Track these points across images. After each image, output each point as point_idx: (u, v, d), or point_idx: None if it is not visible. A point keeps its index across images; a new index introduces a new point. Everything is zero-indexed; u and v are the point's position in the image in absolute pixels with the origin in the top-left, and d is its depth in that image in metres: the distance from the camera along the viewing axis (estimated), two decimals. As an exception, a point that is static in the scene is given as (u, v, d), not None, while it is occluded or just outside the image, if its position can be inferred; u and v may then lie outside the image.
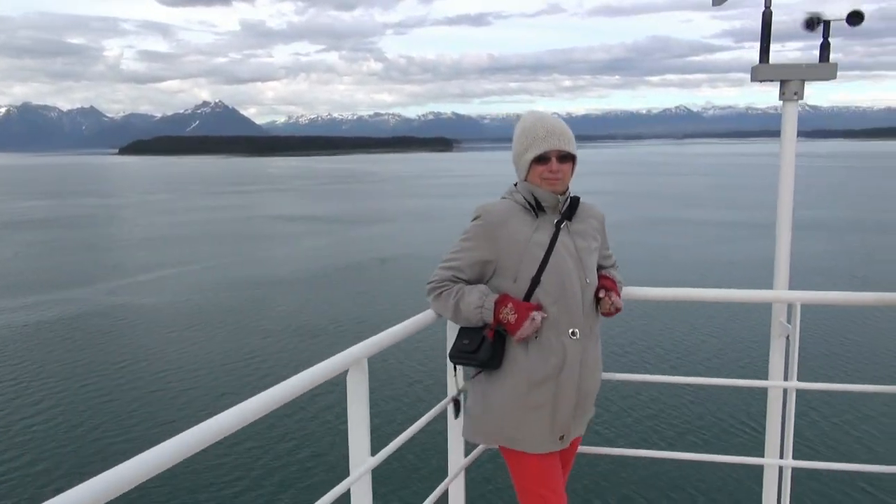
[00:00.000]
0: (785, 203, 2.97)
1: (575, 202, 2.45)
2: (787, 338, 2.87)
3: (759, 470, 3.06)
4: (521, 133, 2.43)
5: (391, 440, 2.17)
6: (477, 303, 2.29)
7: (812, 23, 2.85)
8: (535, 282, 2.32)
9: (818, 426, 11.25)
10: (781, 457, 2.87)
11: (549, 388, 2.32)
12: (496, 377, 2.36)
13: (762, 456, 2.98)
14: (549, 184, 2.38)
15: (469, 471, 2.64)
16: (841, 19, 2.77)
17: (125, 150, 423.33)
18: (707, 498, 9.21)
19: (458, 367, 2.44)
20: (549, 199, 2.39)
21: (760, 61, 2.95)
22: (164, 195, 71.86)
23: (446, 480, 2.54)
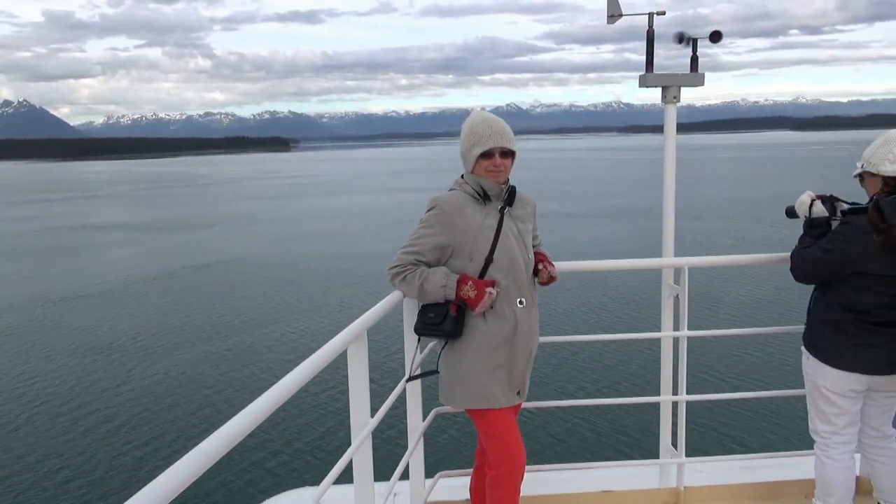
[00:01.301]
0: (668, 186, 3.58)
1: (513, 191, 2.80)
2: (677, 296, 3.42)
3: (657, 407, 3.65)
4: (468, 131, 2.76)
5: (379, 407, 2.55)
6: (441, 282, 2.62)
7: (681, 38, 3.44)
8: (489, 260, 2.68)
9: (707, 367, 13.19)
10: (675, 394, 3.42)
11: (505, 350, 2.71)
12: (461, 346, 2.72)
13: (658, 394, 3.60)
14: (493, 176, 2.73)
15: (426, 432, 3.06)
16: (705, 37, 3.42)
17: None
18: (621, 434, 10.77)
19: (418, 344, 2.82)
20: (494, 189, 2.74)
21: (646, 71, 3.53)
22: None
23: (411, 445, 2.90)
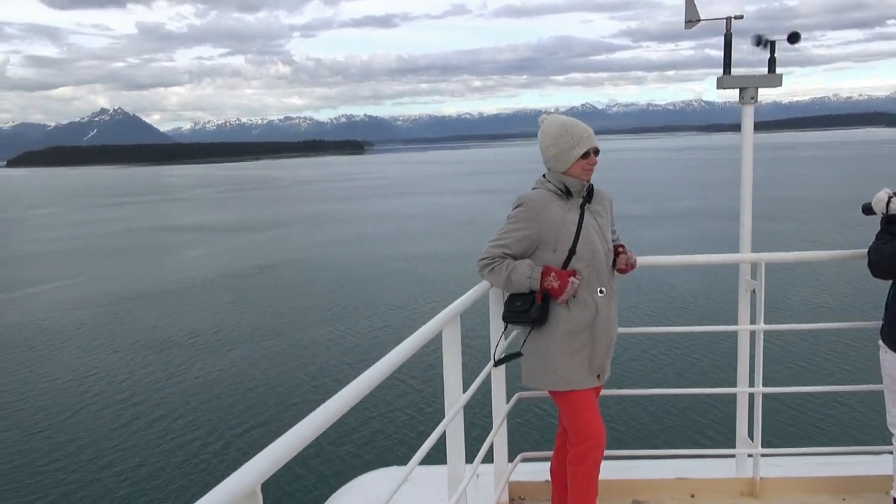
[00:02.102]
0: (746, 184, 3.64)
1: (591, 188, 3.02)
2: (754, 291, 3.52)
3: (734, 398, 3.72)
4: (561, 134, 2.96)
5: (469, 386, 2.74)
6: (527, 273, 2.85)
7: (759, 41, 3.51)
8: (572, 251, 2.89)
9: (783, 360, 13.49)
10: (752, 386, 3.54)
11: (586, 335, 2.91)
12: (545, 331, 2.93)
13: (735, 386, 3.67)
14: (587, 174, 2.96)
15: (509, 416, 3.28)
16: (783, 38, 3.47)
17: (14, 163, 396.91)
18: (698, 424, 11.22)
19: (504, 331, 3.05)
20: (577, 186, 2.97)
21: (724, 73, 3.60)
22: (45, 209, 67.10)
23: (495, 428, 3.14)
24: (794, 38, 3.44)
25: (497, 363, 3.08)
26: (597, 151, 2.98)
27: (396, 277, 25.40)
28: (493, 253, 2.93)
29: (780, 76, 3.53)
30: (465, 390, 2.74)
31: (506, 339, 3.11)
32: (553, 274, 2.84)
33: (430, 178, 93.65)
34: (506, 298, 3.01)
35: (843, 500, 3.38)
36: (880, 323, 3.13)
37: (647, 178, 69.37)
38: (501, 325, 3.04)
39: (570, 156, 2.94)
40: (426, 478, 3.07)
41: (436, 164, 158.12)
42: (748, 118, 3.60)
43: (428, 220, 43.00)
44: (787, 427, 10.77)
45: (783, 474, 3.53)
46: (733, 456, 3.68)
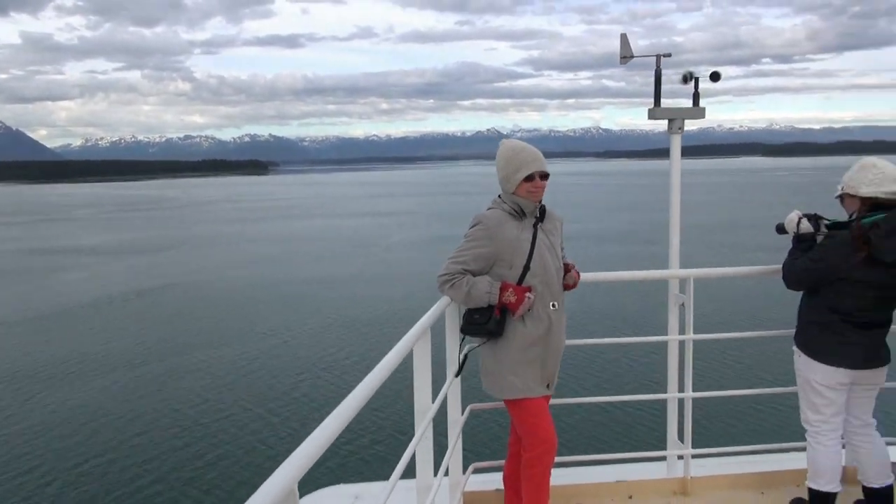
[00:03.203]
0: (674, 206, 3.99)
1: (544, 209, 3.23)
2: (683, 304, 3.79)
3: (665, 403, 3.97)
4: (509, 158, 3.17)
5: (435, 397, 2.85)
6: (486, 288, 3.00)
7: (686, 78, 3.88)
8: (527, 268, 3.07)
9: (710, 367, 14.66)
10: (681, 391, 3.82)
11: (540, 347, 3.11)
12: (502, 343, 3.09)
13: (666, 392, 3.95)
14: (533, 196, 3.15)
15: (463, 427, 3.34)
16: (706, 77, 3.85)
17: None
18: (635, 428, 12.01)
19: (462, 343, 3.19)
20: (530, 207, 3.16)
21: (655, 105, 3.94)
22: None
23: (451, 440, 3.23)
24: (715, 76, 3.83)
25: (458, 373, 3.21)
26: (543, 175, 3.15)
27: (270, 303, 24.77)
28: (453, 269, 3.06)
29: (703, 109, 3.92)
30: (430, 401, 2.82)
31: (463, 351, 3.23)
32: (511, 290, 3.00)
33: (333, 200, 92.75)
34: (464, 312, 3.15)
35: (762, 493, 3.71)
36: (793, 330, 3.49)
37: (562, 201, 72.17)
38: (459, 337, 3.16)
39: (514, 178, 3.12)
40: (384, 492, 3.11)
41: (340, 185, 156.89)
42: (676, 146, 3.95)
43: (323, 244, 42.32)
44: (714, 428, 11.50)
45: (711, 472, 3.83)
46: (665, 458, 3.96)
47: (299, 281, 29.04)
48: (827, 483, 3.32)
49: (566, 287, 3.30)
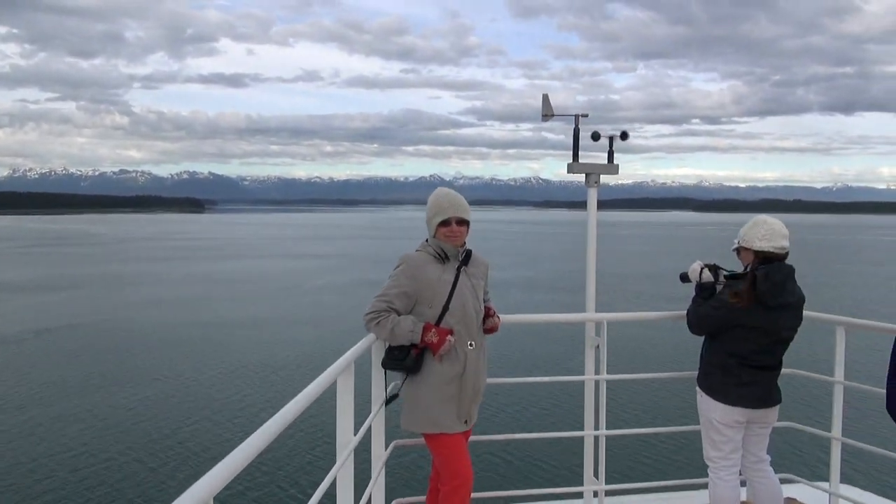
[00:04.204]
0: (591, 254, 4.24)
1: (468, 253, 3.38)
2: (598, 346, 4.04)
3: (582, 441, 4.13)
4: (431, 203, 3.36)
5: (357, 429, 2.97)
6: (409, 328, 3.14)
7: (596, 136, 4.13)
8: (446, 308, 3.22)
9: (623, 406, 15.40)
10: (596, 429, 3.99)
11: (455, 385, 3.23)
12: (419, 380, 3.24)
13: (583, 430, 4.10)
14: (450, 240, 3.31)
15: (387, 462, 3.47)
16: (616, 135, 4.15)
17: None
18: (552, 465, 12.28)
19: (385, 374, 3.29)
20: (452, 251, 3.32)
21: (573, 160, 4.21)
22: None
23: (374, 474, 3.34)
24: (624, 136, 4.17)
25: (387, 402, 3.33)
26: (460, 221, 3.30)
27: (181, 344, 24.10)
28: (379, 307, 3.19)
29: (617, 165, 4.26)
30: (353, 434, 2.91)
31: (387, 383, 3.36)
32: (433, 331, 3.15)
33: (266, 241, 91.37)
34: (386, 347, 3.27)
35: None
36: (696, 372, 3.76)
37: (498, 247, 73.17)
38: (383, 373, 3.28)
39: (433, 222, 3.31)
40: None
41: (278, 226, 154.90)
42: (592, 199, 4.27)
43: (246, 285, 41.51)
44: (627, 466, 11.91)
45: None
46: (581, 495, 4.12)
47: (214, 322, 28.23)
48: None
49: (487, 331, 3.43)
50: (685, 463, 11.63)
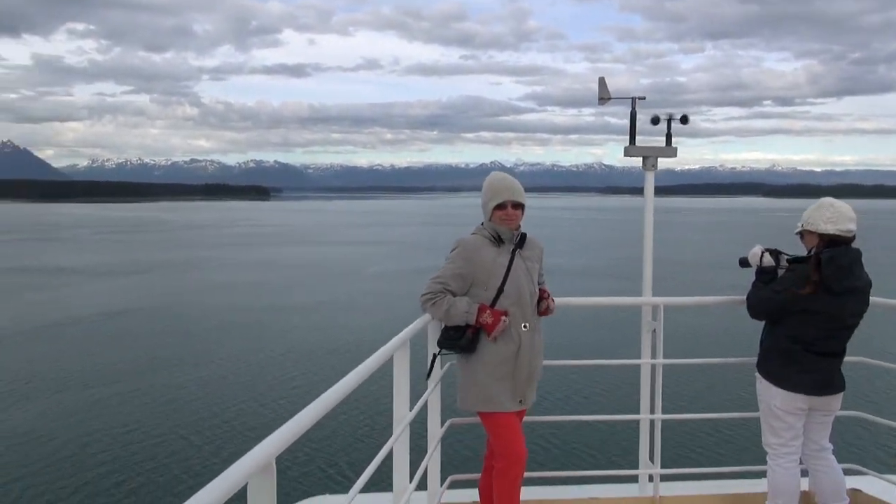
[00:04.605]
0: (648, 237, 4.26)
1: (524, 236, 3.44)
2: (654, 330, 4.04)
3: (637, 424, 4.16)
4: (487, 187, 3.43)
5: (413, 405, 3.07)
6: (465, 309, 3.23)
7: (656, 120, 4.18)
8: (500, 290, 3.28)
9: (680, 391, 15.19)
10: (652, 413, 4.00)
11: (510, 365, 3.29)
12: (475, 359, 3.30)
13: (638, 413, 4.11)
14: (505, 223, 3.37)
15: (443, 440, 3.53)
16: (677, 119, 4.17)
17: None
18: (608, 447, 12.45)
19: (439, 356, 3.38)
20: (507, 234, 3.39)
21: (630, 143, 4.23)
22: None
23: (429, 451, 3.41)
24: (684, 119, 4.14)
25: (428, 375, 3.40)
26: (515, 205, 3.36)
27: (243, 327, 24.73)
28: (435, 288, 3.28)
29: (675, 148, 4.21)
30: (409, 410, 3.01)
31: (442, 364, 3.45)
32: (488, 312, 3.22)
33: (328, 227, 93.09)
34: (442, 328, 3.35)
35: None
36: (756, 358, 3.69)
37: (556, 234, 72.37)
38: (437, 349, 3.37)
39: (489, 206, 3.38)
40: (363, 501, 3.26)
41: (340, 213, 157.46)
42: (649, 182, 4.25)
43: (306, 269, 42.45)
44: (683, 450, 11.83)
45: (679, 493, 4.00)
46: (636, 477, 4.12)
47: (271, 306, 28.93)
48: (785, 503, 3.49)
49: (541, 313, 3.48)
50: (743, 449, 11.50)
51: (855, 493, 3.97)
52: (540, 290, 3.51)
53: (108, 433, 14.20)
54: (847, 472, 3.74)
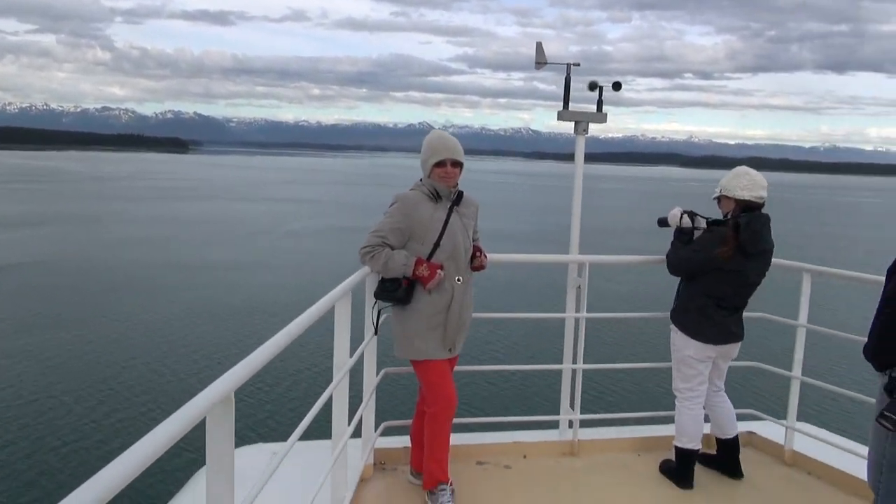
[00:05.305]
0: (577, 198, 4.42)
1: (461, 194, 3.56)
2: (579, 287, 4.27)
3: (560, 374, 4.40)
4: (427, 145, 3.53)
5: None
6: (403, 262, 3.36)
7: (593, 86, 4.34)
8: (437, 244, 3.42)
9: (600, 343, 16.22)
10: (574, 363, 4.26)
11: (442, 316, 3.46)
12: (409, 310, 3.46)
13: (561, 363, 4.38)
14: (444, 181, 3.48)
15: (377, 389, 3.73)
16: (608, 85, 4.33)
17: None
18: (532, 395, 13.14)
19: (375, 307, 3.51)
20: (445, 191, 3.50)
21: (564, 108, 4.40)
22: None
23: (364, 400, 3.56)
24: (617, 86, 4.33)
25: (375, 332, 3.54)
26: (454, 163, 3.46)
27: (148, 285, 24.04)
28: (374, 242, 3.40)
29: (606, 114, 4.42)
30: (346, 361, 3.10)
31: (378, 313, 3.55)
32: (425, 265, 3.36)
33: (247, 184, 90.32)
34: (379, 280, 3.48)
35: (639, 455, 4.23)
36: (668, 313, 4.00)
37: (485, 198, 72.09)
38: (374, 301, 3.48)
39: (428, 163, 3.47)
40: (299, 452, 3.35)
41: (262, 169, 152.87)
42: (580, 146, 4.46)
43: (218, 226, 41.29)
44: (601, 398, 12.65)
45: (596, 437, 4.32)
46: (557, 423, 4.42)
47: (178, 264, 28.01)
48: (690, 441, 3.87)
49: (475, 269, 3.64)
50: (654, 397, 12.40)
51: (751, 436, 4.40)
52: (474, 246, 3.64)
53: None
54: (744, 418, 4.15)
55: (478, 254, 3.63)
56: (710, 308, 3.76)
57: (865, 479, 3.89)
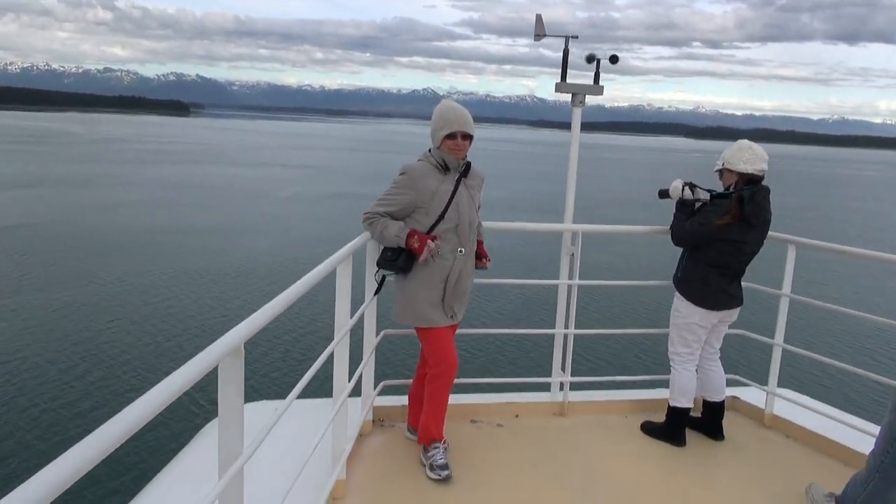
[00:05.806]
0: (572, 169, 4.52)
1: (468, 165, 3.59)
2: (573, 255, 4.35)
3: (553, 338, 4.56)
4: (437, 116, 3.53)
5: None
6: (395, 233, 3.43)
7: (591, 58, 4.38)
8: (441, 216, 3.46)
9: (593, 309, 16.49)
10: (566, 328, 4.43)
11: (442, 286, 3.54)
12: (410, 278, 3.55)
13: (554, 328, 4.56)
14: (453, 153, 3.50)
15: (376, 349, 3.87)
16: (606, 58, 4.36)
17: None
18: (525, 358, 13.37)
19: (377, 273, 3.62)
20: (454, 163, 3.52)
21: (561, 80, 4.45)
22: None
23: (364, 359, 3.67)
24: (614, 59, 4.38)
25: (377, 291, 3.68)
26: (465, 136, 3.47)
27: (143, 247, 23.71)
28: (376, 211, 3.49)
29: (602, 87, 4.48)
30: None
31: (380, 280, 3.66)
32: (416, 237, 3.40)
33: (248, 148, 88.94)
34: (381, 248, 3.61)
35: (626, 417, 4.41)
36: (669, 282, 4.15)
37: (487, 167, 72.01)
38: (376, 268, 3.60)
39: (439, 134, 3.49)
40: (301, 408, 3.53)
41: (263, 134, 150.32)
42: (576, 118, 4.52)
43: (215, 191, 40.74)
44: (591, 362, 13.01)
45: (585, 399, 4.51)
46: (549, 386, 4.61)
47: (172, 227, 27.67)
48: (686, 401, 4.08)
49: (478, 267, 3.79)
50: (644, 362, 12.74)
51: (734, 400, 4.59)
52: (479, 251, 3.79)
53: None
54: (728, 383, 4.32)
55: (483, 259, 3.79)
56: (713, 276, 3.92)
57: (841, 441, 4.12)
